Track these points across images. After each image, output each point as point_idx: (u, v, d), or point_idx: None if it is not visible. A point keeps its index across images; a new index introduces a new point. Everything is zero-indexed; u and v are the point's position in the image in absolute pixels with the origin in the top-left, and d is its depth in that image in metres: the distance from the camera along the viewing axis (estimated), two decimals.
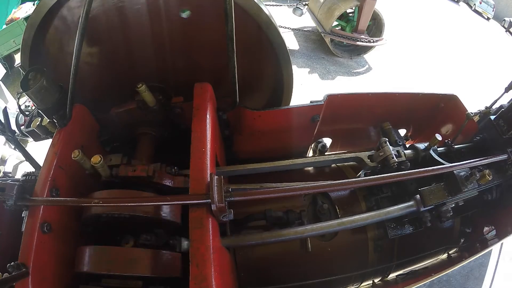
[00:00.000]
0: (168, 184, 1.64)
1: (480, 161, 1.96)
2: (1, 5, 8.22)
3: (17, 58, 7.84)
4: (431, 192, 1.89)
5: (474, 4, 19.12)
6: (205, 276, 1.18)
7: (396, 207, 1.86)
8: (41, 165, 1.56)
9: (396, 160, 2.03)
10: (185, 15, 1.83)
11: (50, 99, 1.60)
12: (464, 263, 2.31)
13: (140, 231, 1.46)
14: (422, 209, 1.87)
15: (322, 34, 8.69)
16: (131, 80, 1.81)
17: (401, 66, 9.51)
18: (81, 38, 1.55)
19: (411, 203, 1.89)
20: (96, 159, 1.47)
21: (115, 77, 2.13)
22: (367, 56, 9.37)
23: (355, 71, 8.89)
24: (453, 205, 2.01)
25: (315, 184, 1.69)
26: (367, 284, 2.42)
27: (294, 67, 2.27)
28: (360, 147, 2.84)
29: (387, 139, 2.14)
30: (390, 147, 2.07)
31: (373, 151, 2.18)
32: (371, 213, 1.80)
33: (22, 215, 1.43)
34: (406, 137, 2.83)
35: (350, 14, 8.87)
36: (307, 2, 9.53)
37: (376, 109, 2.53)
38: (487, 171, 1.83)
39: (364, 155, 2.18)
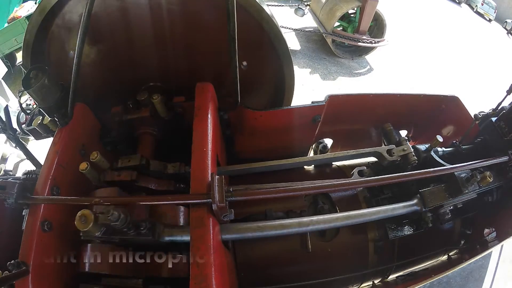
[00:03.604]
0: (152, 187, 1.64)
1: (481, 163, 1.96)
2: (3, 3, 8.25)
3: (19, 56, 7.85)
4: (431, 194, 1.89)
5: (476, 5, 19.12)
6: (205, 276, 1.18)
7: (399, 204, 1.86)
8: (42, 163, 1.56)
9: (416, 159, 2.03)
10: None
11: (51, 97, 1.60)
12: (464, 265, 2.31)
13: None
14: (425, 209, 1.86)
15: (324, 35, 8.67)
16: (132, 80, 1.81)
17: (402, 67, 9.49)
18: (83, 37, 1.55)
19: (414, 201, 1.89)
20: (83, 166, 1.50)
21: (117, 76, 2.13)
22: (369, 57, 9.36)
23: (356, 72, 8.88)
24: (461, 205, 2.01)
25: (316, 185, 1.69)
26: (367, 285, 2.41)
27: (295, 68, 2.27)
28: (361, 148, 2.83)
29: (406, 138, 2.16)
30: (410, 145, 2.08)
31: (391, 145, 2.16)
32: (376, 209, 1.80)
33: (23, 213, 1.43)
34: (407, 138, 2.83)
35: (352, 15, 8.85)
36: (308, 3, 9.52)
37: (377, 110, 2.53)
38: (488, 173, 1.83)
39: (382, 149, 2.16)
